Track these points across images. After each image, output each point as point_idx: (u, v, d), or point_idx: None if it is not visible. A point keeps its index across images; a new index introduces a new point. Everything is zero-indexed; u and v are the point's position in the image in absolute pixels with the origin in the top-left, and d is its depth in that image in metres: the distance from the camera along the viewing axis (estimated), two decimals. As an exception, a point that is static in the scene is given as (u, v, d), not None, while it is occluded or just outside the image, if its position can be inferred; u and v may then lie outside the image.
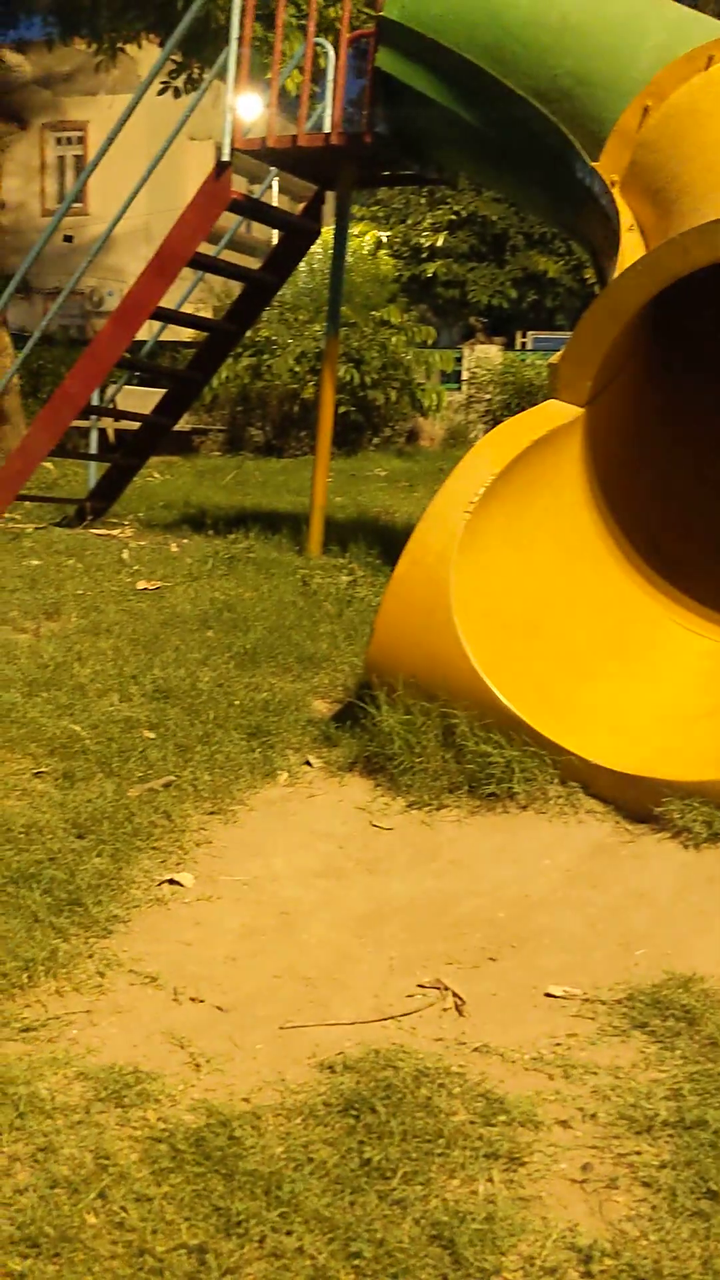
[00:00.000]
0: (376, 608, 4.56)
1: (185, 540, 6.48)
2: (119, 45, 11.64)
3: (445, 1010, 2.01)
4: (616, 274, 3.44)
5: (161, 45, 10.71)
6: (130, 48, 11.98)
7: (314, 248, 8.93)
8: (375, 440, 14.53)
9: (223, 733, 3.32)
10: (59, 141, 26.94)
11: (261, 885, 2.54)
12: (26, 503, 7.36)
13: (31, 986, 1.99)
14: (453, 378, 17.10)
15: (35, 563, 5.53)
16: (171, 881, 2.48)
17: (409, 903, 2.47)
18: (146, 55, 13.05)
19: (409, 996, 2.06)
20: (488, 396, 15.64)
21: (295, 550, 6.05)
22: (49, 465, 8.83)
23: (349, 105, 5.76)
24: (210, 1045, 1.88)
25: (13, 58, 24.53)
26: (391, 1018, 1.97)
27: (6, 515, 6.85)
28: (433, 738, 3.00)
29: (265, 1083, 1.79)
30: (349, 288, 11.79)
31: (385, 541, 6.06)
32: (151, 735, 3.28)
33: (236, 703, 3.55)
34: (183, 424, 10.36)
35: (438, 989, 2.07)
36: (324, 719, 3.53)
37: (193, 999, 2.03)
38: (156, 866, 2.55)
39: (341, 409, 12.31)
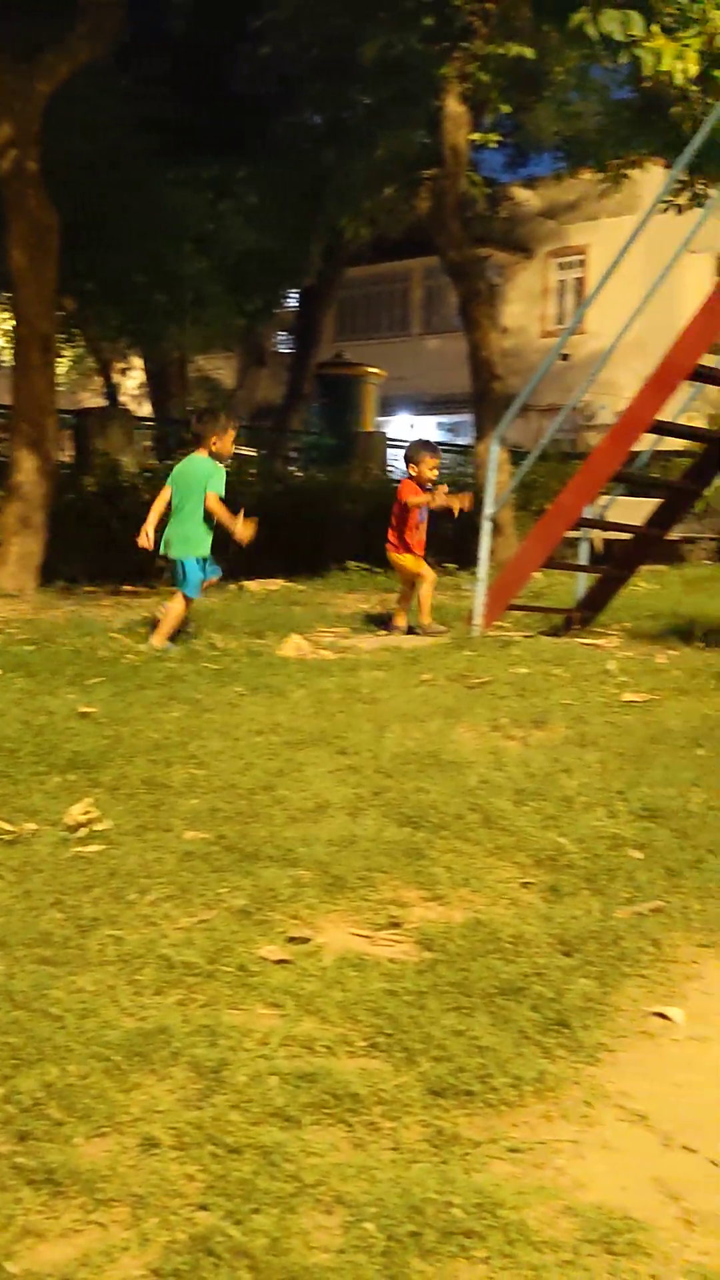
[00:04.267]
0: None
1: (673, 652, 6.36)
2: (624, 171, 12.03)
3: None
4: None
5: (666, 166, 10.94)
6: (632, 171, 12.35)
7: None
8: None
9: (715, 859, 3.16)
10: (560, 267, 28.27)
11: (759, 1032, 2.36)
12: (516, 611, 7.60)
13: (519, 1106, 1.97)
14: None
15: (524, 671, 5.67)
16: (660, 1015, 2.37)
17: None
18: (648, 177, 13.38)
19: None
20: None
21: None
22: (538, 575, 9.07)
23: None
24: (705, 1203, 1.76)
25: (521, 193, 26.20)
26: None
27: (496, 623, 7.11)
28: None
29: (767, 1260, 1.63)
30: None
31: None
32: (639, 855, 3.20)
33: (731, 828, 3.37)
34: (671, 532, 10.23)
35: None
36: None
37: (685, 1148, 1.91)
38: (644, 996, 2.45)
39: None
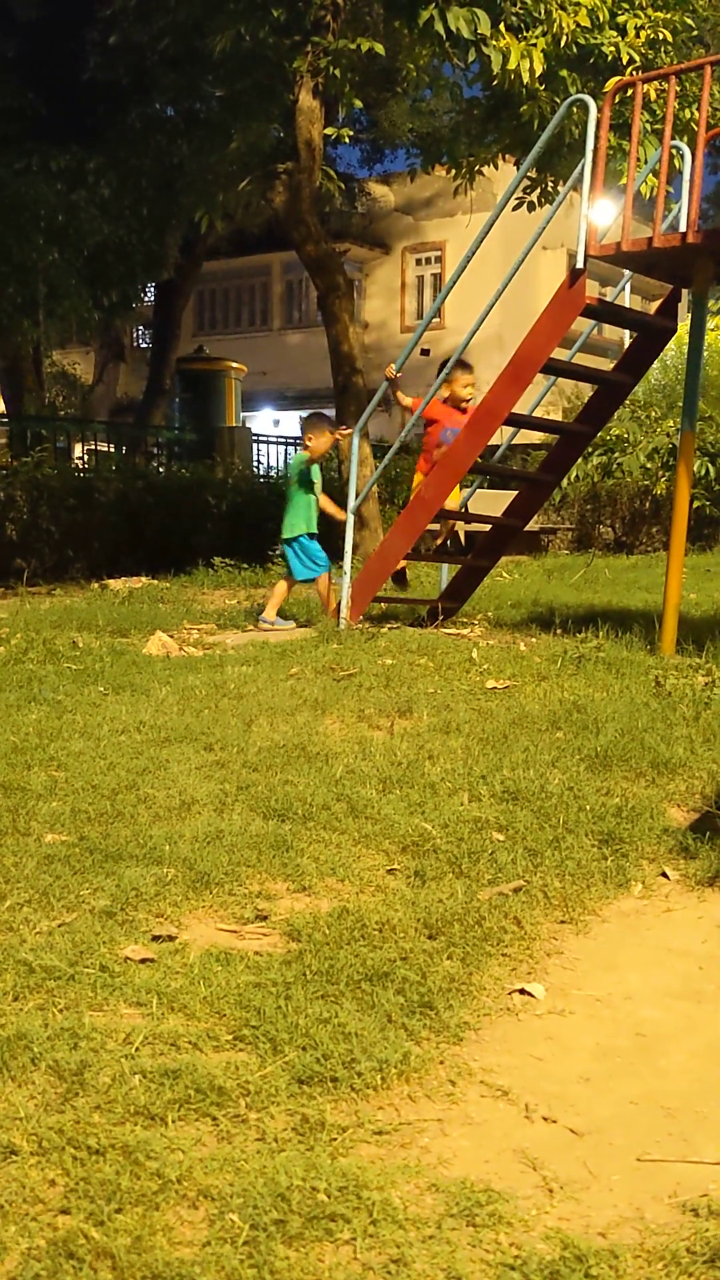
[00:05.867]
0: (737, 712, 4.35)
1: (533, 639, 6.49)
2: (477, 169, 12.19)
3: None
4: None
5: (517, 164, 11.15)
6: (486, 168, 12.52)
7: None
8: (731, 535, 14.08)
9: (573, 838, 3.25)
10: (418, 262, 28.56)
11: (616, 1003, 2.43)
12: (382, 603, 7.66)
13: (384, 1088, 2.00)
14: None
15: (389, 661, 5.72)
16: (522, 991, 2.43)
17: (779, 1036, 2.28)
18: (501, 174, 13.60)
19: (781, 1142, 1.89)
20: None
21: (647, 649, 5.90)
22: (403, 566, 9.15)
23: (704, 203, 5.72)
24: (564, 1170, 1.81)
25: (378, 189, 26.39)
26: (762, 1164, 1.81)
27: (363, 616, 7.15)
28: None
29: (623, 1218, 1.69)
30: (704, 382, 11.57)
31: (744, 642, 5.79)
32: (501, 837, 3.26)
33: (587, 807, 3.47)
34: (531, 523, 10.47)
35: None
36: (681, 828, 3.39)
37: (545, 1118, 1.96)
38: (507, 974, 2.51)
39: (696, 504, 12.01)
